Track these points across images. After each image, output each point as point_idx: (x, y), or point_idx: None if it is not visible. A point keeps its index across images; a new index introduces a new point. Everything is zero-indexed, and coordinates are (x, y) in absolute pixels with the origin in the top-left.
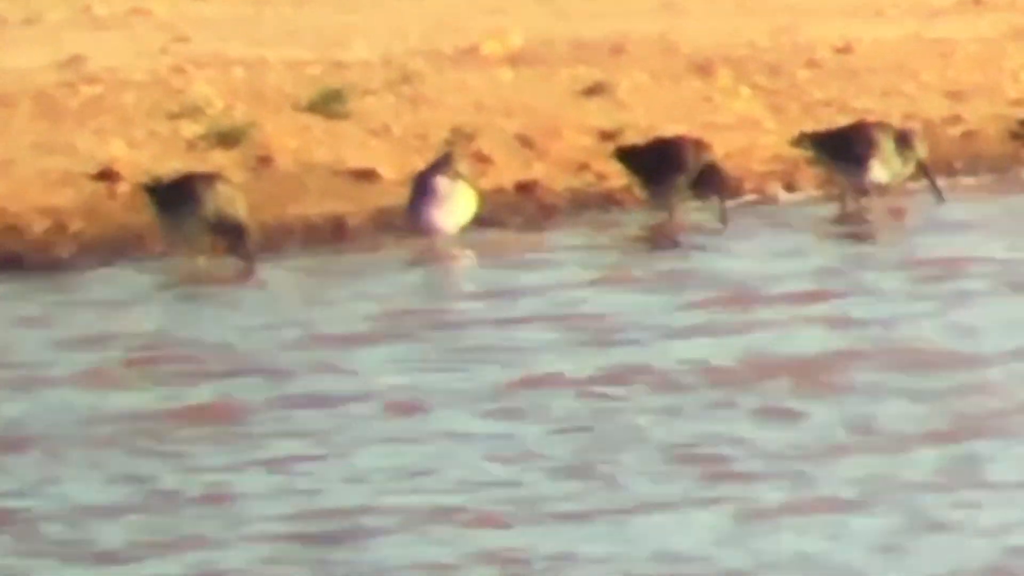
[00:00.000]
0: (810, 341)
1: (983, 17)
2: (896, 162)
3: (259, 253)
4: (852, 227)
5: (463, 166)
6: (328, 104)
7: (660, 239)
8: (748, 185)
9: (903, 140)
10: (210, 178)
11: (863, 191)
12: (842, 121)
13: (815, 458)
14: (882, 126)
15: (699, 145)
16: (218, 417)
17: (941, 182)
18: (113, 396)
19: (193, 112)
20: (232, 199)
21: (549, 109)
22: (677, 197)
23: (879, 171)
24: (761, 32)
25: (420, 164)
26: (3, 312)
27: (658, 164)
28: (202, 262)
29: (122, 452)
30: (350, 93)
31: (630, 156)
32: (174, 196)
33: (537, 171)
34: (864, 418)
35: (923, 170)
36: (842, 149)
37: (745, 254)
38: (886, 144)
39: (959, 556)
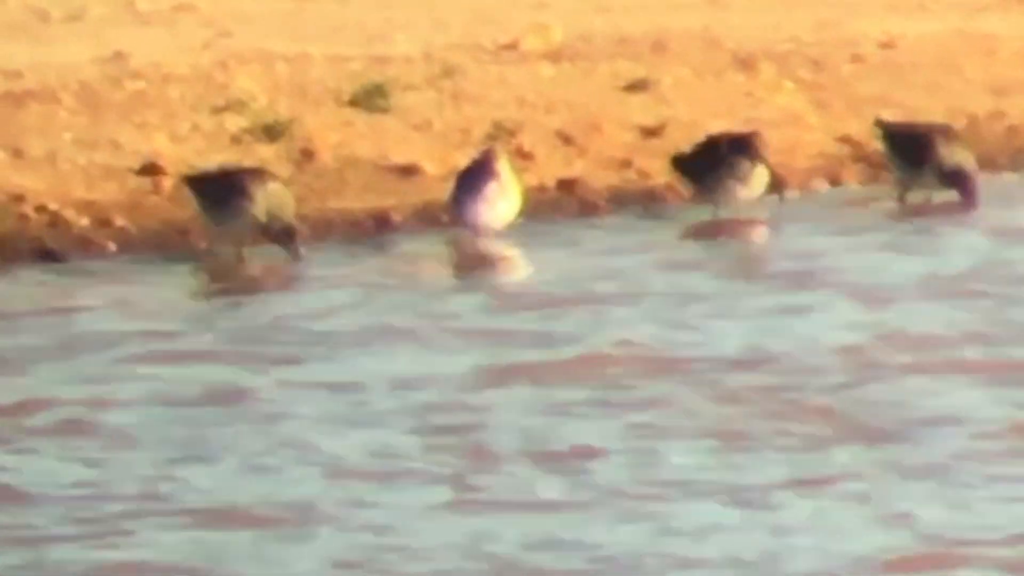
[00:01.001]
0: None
1: None
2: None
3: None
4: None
5: (506, 160)
6: (370, 99)
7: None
8: (792, 180)
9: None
10: (259, 176)
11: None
12: (887, 116)
13: None
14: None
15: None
16: None
17: (984, 178)
18: None
19: (237, 106)
20: (282, 200)
21: (590, 105)
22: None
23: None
24: (804, 27)
25: (462, 159)
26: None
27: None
28: (245, 256)
29: None
30: (392, 88)
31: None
32: (222, 192)
33: (578, 168)
34: None
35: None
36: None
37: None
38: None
39: None
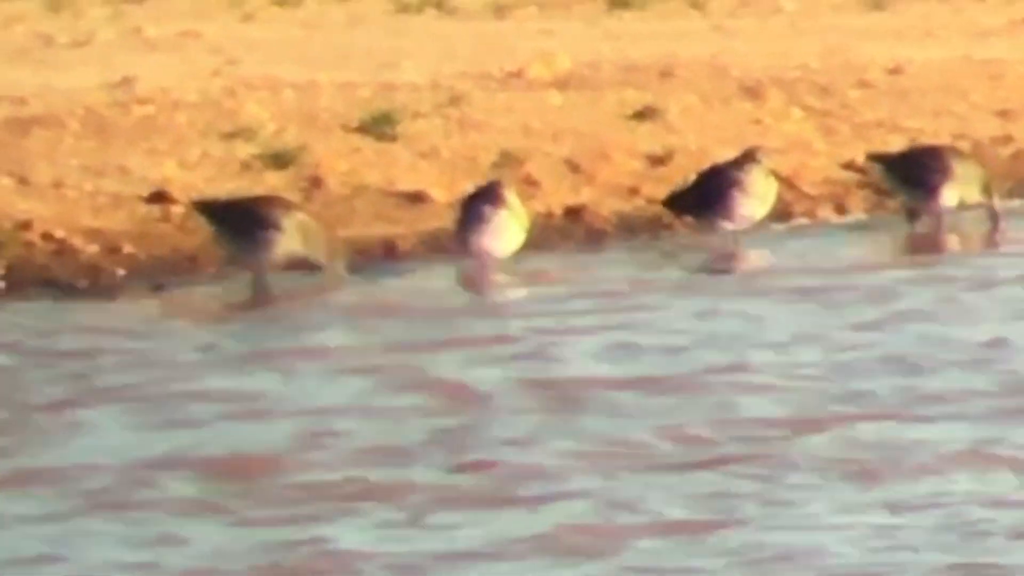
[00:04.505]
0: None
1: None
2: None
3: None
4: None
5: (512, 191)
6: (378, 126)
7: None
8: (799, 208)
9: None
10: (285, 209)
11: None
12: (894, 142)
13: None
14: (954, 150)
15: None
16: None
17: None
18: None
19: (245, 133)
20: (310, 236)
21: (598, 133)
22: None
23: (949, 197)
24: (811, 54)
25: (469, 187)
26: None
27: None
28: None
29: None
30: (400, 115)
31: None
32: (243, 222)
33: (585, 195)
34: None
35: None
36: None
37: None
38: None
39: None
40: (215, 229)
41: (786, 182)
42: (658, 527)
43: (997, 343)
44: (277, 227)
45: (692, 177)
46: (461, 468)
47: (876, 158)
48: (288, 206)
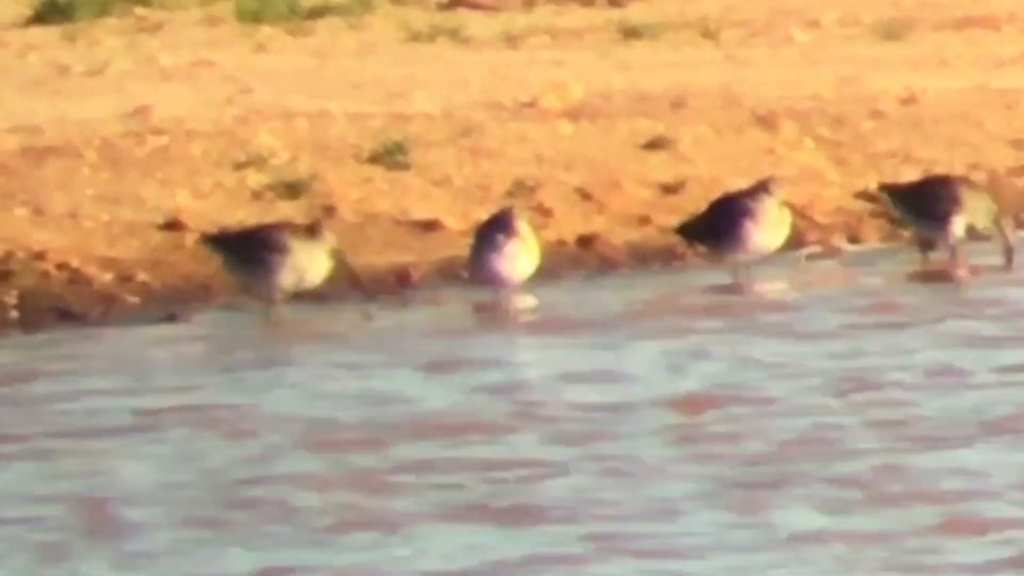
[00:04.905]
0: None
1: None
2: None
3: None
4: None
5: (523, 219)
6: (390, 155)
7: None
8: (812, 237)
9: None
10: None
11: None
12: (907, 172)
13: None
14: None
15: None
16: None
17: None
18: None
19: (258, 163)
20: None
21: (610, 162)
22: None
23: (959, 227)
24: (825, 84)
25: (482, 215)
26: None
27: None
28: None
29: None
30: (412, 145)
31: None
32: (251, 249)
33: (598, 224)
34: None
35: None
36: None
37: None
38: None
39: None
40: (225, 260)
41: (799, 212)
42: None
43: (1018, 369)
44: (285, 250)
45: (704, 206)
46: None
47: (887, 188)
48: (297, 231)
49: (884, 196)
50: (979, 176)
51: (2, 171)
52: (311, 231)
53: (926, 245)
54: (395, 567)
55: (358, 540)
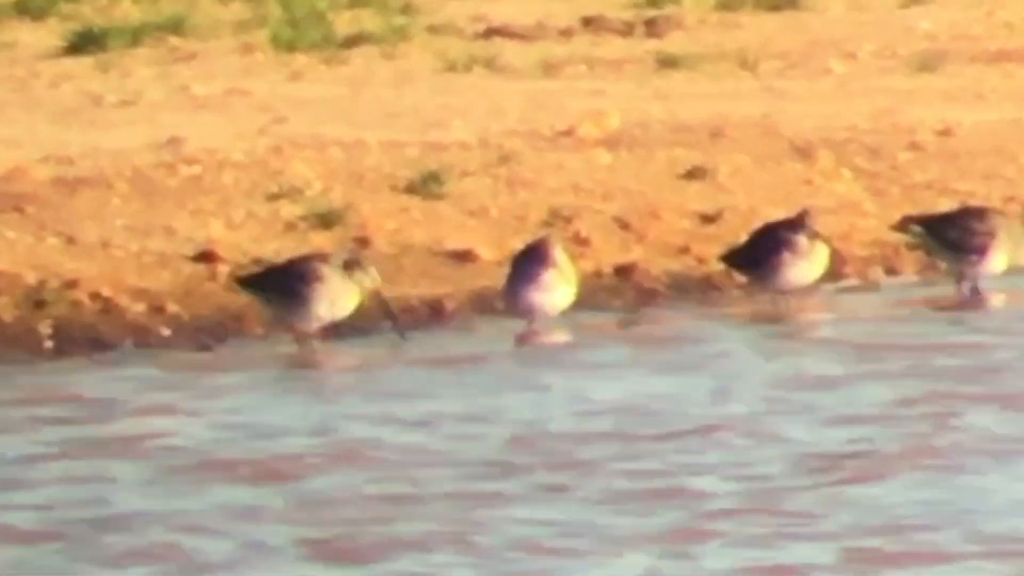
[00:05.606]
0: None
1: None
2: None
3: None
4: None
5: (561, 249)
6: (426, 185)
7: None
8: (849, 269)
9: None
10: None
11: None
12: (943, 204)
13: None
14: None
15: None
16: None
17: None
18: None
19: (292, 193)
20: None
21: (647, 192)
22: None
23: (997, 261)
24: (862, 115)
25: (518, 245)
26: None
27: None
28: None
29: None
30: (448, 174)
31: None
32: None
33: (636, 254)
34: None
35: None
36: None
37: None
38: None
39: None
40: (260, 298)
41: (836, 243)
42: None
43: None
44: (319, 279)
45: (743, 236)
46: None
47: (918, 220)
48: (328, 260)
49: (916, 229)
50: (1014, 209)
51: (35, 201)
52: (349, 266)
53: (962, 277)
54: None
55: None
